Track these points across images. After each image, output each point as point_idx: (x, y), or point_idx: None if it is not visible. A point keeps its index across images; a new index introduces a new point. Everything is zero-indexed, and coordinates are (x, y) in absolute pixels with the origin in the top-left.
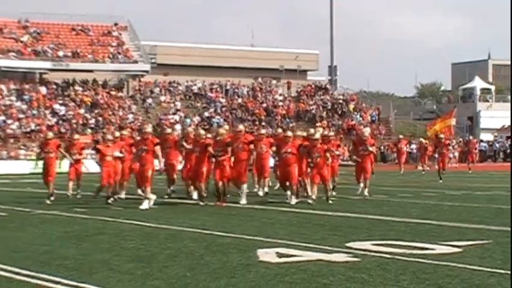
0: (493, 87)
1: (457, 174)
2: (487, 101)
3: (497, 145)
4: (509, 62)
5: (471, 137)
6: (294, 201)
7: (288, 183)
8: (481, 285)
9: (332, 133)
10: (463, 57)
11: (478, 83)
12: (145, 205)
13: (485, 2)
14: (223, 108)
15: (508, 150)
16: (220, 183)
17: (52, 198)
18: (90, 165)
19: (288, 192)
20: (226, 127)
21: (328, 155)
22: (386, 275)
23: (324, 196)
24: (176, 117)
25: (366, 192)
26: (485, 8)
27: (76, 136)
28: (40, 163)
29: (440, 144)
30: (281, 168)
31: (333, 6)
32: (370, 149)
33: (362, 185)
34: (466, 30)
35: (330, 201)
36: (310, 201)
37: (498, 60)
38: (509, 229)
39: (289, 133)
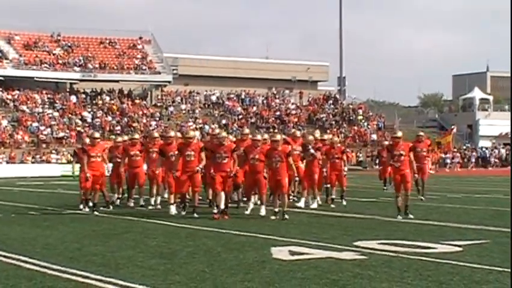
0: (491, 98)
1: (458, 178)
2: (486, 110)
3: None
4: (506, 74)
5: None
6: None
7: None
8: (480, 281)
9: (336, 139)
10: (463, 69)
11: (477, 94)
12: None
13: (483, 17)
14: (239, 116)
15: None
16: (223, 194)
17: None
18: None
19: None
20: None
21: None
22: (391, 272)
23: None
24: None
25: (420, 196)
26: (484, 24)
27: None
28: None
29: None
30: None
31: (342, 22)
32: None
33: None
34: (465, 44)
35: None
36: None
37: (496, 72)
38: (507, 229)
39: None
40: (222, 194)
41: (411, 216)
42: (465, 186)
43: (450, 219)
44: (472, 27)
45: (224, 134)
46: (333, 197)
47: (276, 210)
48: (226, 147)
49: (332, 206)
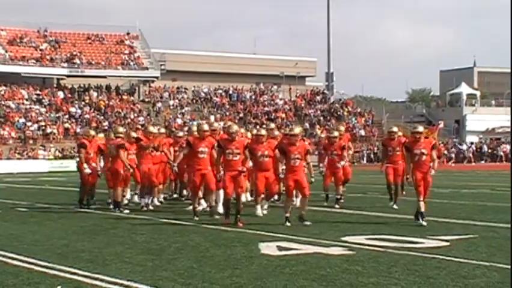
0: (478, 93)
1: (445, 173)
2: (473, 105)
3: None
4: (493, 70)
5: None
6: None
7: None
8: (467, 276)
9: (336, 133)
10: (450, 65)
11: (464, 89)
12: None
13: (471, 14)
14: (227, 112)
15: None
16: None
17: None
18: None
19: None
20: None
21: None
22: (379, 267)
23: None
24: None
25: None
26: (471, 20)
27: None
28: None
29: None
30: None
31: (330, 17)
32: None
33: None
34: (453, 40)
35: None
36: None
37: (483, 68)
38: (494, 224)
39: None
40: (220, 193)
41: (424, 223)
42: (452, 181)
43: (437, 214)
44: (459, 22)
45: (236, 127)
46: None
47: (288, 215)
48: (238, 143)
49: (337, 206)
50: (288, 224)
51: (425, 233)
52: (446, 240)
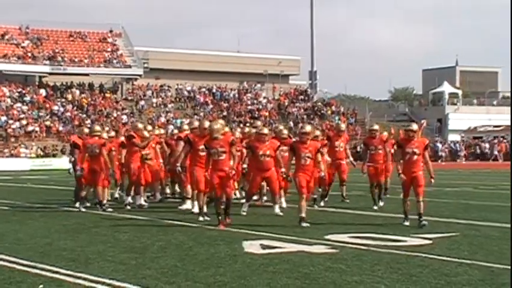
0: (460, 92)
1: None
2: (455, 104)
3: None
4: (474, 69)
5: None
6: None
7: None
8: (450, 274)
9: (318, 132)
10: (432, 63)
11: (446, 88)
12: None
13: (453, 13)
14: (211, 111)
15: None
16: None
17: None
18: None
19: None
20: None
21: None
22: (362, 265)
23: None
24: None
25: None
26: (454, 19)
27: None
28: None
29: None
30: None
31: (314, 16)
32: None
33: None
34: (435, 39)
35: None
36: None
37: (465, 67)
38: (476, 222)
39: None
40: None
41: (424, 223)
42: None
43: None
44: (442, 22)
45: (219, 124)
46: (315, 196)
47: (303, 215)
48: (223, 141)
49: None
50: (304, 224)
51: (408, 231)
52: (429, 239)
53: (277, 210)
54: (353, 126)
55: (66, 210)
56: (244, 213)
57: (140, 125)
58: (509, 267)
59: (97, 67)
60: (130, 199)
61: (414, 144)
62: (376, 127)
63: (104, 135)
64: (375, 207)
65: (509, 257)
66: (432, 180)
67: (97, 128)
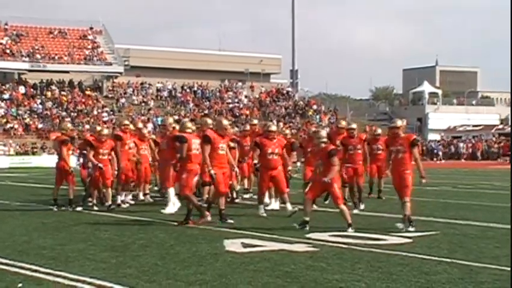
0: (440, 91)
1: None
2: (435, 104)
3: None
4: (454, 69)
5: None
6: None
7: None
8: (429, 272)
9: (288, 131)
10: (413, 63)
11: (426, 88)
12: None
13: (434, 13)
14: (192, 109)
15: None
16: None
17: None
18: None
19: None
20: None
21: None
22: (343, 264)
23: None
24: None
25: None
26: (434, 19)
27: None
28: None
29: None
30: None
31: (295, 15)
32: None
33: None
34: (416, 38)
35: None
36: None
37: (444, 67)
38: (455, 221)
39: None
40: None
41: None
42: (415, 179)
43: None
44: (422, 22)
45: (189, 124)
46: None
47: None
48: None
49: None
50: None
51: (388, 229)
52: (409, 237)
53: (289, 207)
54: (333, 125)
55: (45, 209)
56: (264, 215)
57: (140, 124)
58: (489, 266)
59: (77, 64)
60: (121, 198)
61: (398, 141)
62: (354, 126)
63: (105, 131)
64: (355, 211)
65: (486, 255)
66: (424, 180)
67: (69, 125)
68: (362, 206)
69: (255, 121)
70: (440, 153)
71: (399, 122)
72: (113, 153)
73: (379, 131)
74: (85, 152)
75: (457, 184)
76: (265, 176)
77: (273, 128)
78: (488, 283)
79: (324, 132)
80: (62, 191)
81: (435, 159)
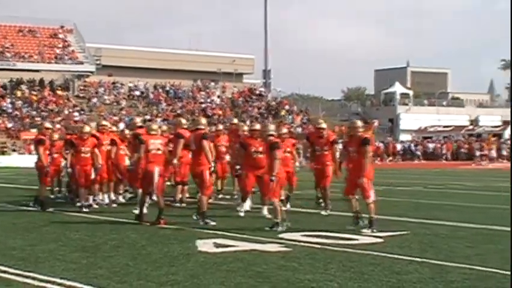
0: (411, 92)
1: (380, 171)
2: (406, 104)
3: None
4: (425, 70)
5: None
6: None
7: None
8: (401, 272)
9: (285, 130)
10: (384, 64)
11: (398, 88)
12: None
13: (404, 15)
14: (165, 109)
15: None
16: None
17: None
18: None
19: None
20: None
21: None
22: (315, 264)
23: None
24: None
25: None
26: (405, 20)
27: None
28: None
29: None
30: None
31: (267, 15)
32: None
33: None
34: (387, 40)
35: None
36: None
37: (416, 68)
38: (426, 221)
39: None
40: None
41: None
42: (387, 179)
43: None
44: (393, 23)
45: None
46: (283, 197)
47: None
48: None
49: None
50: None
51: (360, 230)
52: (381, 237)
53: (265, 212)
54: (306, 125)
55: (16, 209)
56: (242, 214)
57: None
58: (459, 265)
59: (47, 63)
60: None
61: (353, 142)
62: (324, 125)
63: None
64: (323, 213)
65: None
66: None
67: (47, 124)
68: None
69: (235, 120)
70: (419, 153)
71: (359, 123)
72: (96, 150)
73: None
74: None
75: (427, 184)
76: (250, 174)
77: (257, 127)
78: (458, 282)
79: (359, 123)
80: (17, 191)
81: (417, 160)
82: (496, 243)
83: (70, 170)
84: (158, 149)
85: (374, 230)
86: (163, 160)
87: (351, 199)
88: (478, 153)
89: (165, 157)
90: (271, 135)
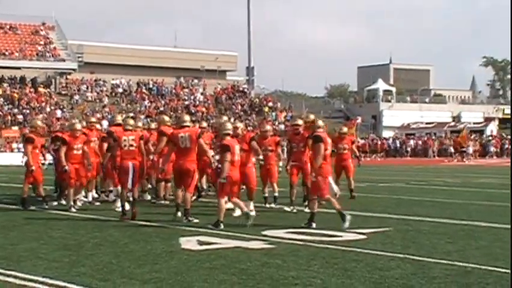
0: (394, 89)
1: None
2: (389, 101)
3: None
4: (408, 67)
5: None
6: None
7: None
8: (383, 268)
9: (269, 127)
10: (367, 61)
11: (380, 85)
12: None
13: (386, 12)
14: (148, 106)
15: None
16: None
17: None
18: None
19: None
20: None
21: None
22: (299, 261)
23: None
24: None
25: None
26: (387, 19)
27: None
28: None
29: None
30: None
31: (251, 12)
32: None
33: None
34: (369, 37)
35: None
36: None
37: (398, 65)
38: (408, 217)
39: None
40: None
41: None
42: (369, 175)
43: (355, 207)
44: (374, 22)
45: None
46: (266, 195)
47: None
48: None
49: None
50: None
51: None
52: (363, 233)
53: (237, 212)
54: (289, 122)
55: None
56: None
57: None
58: (441, 261)
59: (29, 60)
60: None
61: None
62: (300, 122)
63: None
64: (287, 208)
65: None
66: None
67: (39, 122)
68: (306, 208)
69: (225, 118)
70: (409, 149)
71: (320, 122)
72: (85, 147)
73: (345, 129)
74: (55, 149)
75: (409, 181)
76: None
77: (238, 124)
78: (440, 278)
79: (321, 122)
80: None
81: (408, 156)
82: (477, 239)
83: (67, 168)
84: (131, 145)
85: (347, 222)
86: (136, 155)
87: (328, 199)
88: (452, 150)
89: (139, 152)
90: (228, 134)
